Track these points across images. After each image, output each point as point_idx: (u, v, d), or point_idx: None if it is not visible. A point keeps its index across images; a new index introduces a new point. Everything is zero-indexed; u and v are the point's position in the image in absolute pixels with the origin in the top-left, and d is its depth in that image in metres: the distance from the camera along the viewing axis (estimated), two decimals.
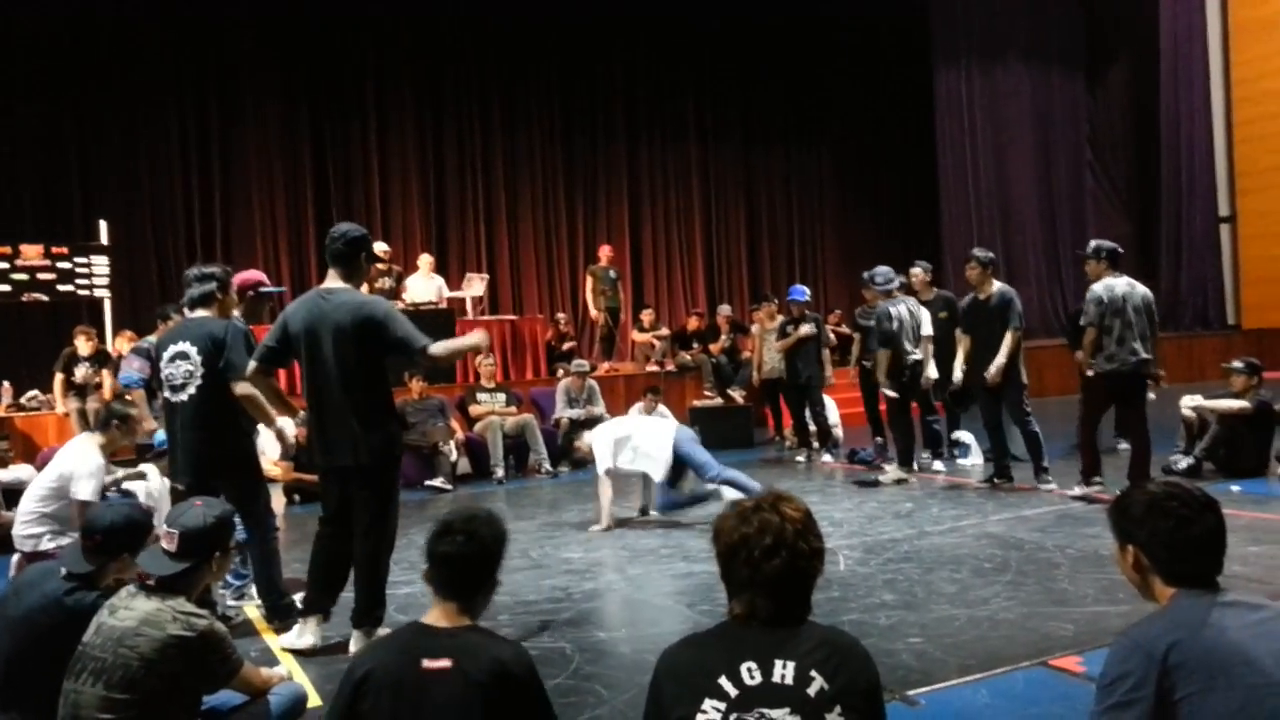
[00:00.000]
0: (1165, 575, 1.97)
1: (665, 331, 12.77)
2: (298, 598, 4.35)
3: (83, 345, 9.02)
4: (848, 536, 5.86)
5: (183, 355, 4.38)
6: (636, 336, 12.68)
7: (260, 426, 4.57)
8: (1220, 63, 16.93)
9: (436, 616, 2.23)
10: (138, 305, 11.62)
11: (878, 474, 7.86)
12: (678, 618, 4.46)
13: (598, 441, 6.56)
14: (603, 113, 15.39)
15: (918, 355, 7.69)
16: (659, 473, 6.30)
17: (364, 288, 4.42)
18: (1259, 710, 1.75)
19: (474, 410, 9.35)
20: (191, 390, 4.36)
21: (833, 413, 9.42)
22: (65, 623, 2.76)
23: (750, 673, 1.78)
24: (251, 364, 4.19)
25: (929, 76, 16.46)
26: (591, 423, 8.44)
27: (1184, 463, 7.12)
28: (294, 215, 13.29)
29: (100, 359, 9.12)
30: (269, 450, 6.26)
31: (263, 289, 5.21)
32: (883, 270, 7.92)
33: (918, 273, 8.37)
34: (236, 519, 3.54)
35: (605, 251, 12.83)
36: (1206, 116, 16.95)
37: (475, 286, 11.77)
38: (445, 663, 2.10)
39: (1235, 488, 6.52)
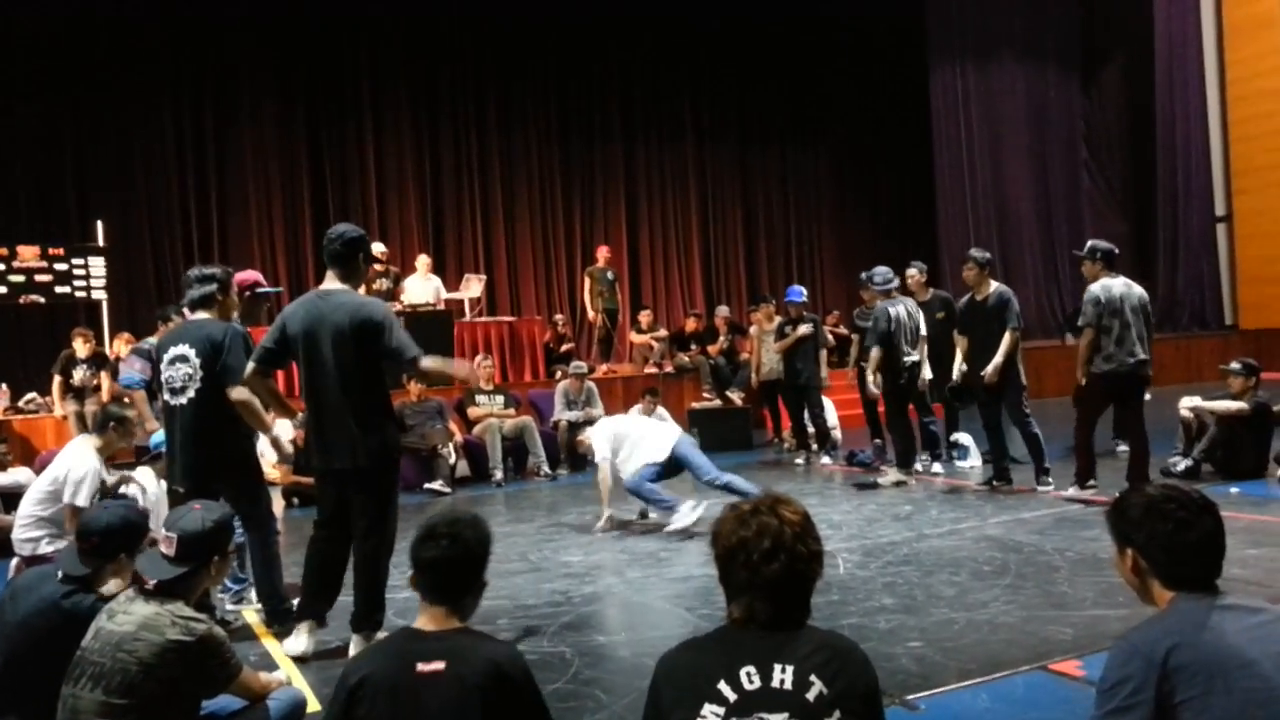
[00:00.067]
0: (1164, 578, 1.97)
1: (663, 333, 12.78)
2: (298, 602, 4.35)
3: (80, 347, 9.01)
4: (847, 539, 5.86)
5: (182, 358, 4.37)
6: (634, 338, 12.68)
7: (268, 421, 4.56)
8: (1215, 62, 16.96)
9: (426, 621, 2.23)
10: (135, 307, 11.62)
11: (876, 476, 7.86)
12: (677, 621, 4.46)
13: (598, 434, 6.65)
14: (600, 113, 15.40)
15: (915, 357, 7.70)
16: (651, 461, 6.31)
17: (361, 289, 4.41)
18: (1259, 714, 1.75)
19: (472, 413, 9.35)
20: (191, 393, 4.35)
21: (831, 414, 9.42)
22: (63, 626, 2.76)
23: (749, 677, 1.78)
24: (249, 365, 4.18)
25: (925, 76, 16.48)
26: (590, 425, 8.43)
27: (1182, 464, 7.12)
28: (291, 216, 13.29)
29: (98, 361, 9.10)
30: (268, 453, 6.26)
31: (260, 289, 5.20)
32: (881, 270, 7.93)
33: (913, 273, 8.37)
34: (235, 523, 3.54)
35: (603, 253, 12.84)
36: (1202, 116, 16.98)
37: (473, 288, 11.77)
38: (439, 665, 2.10)
39: (1234, 490, 6.51)
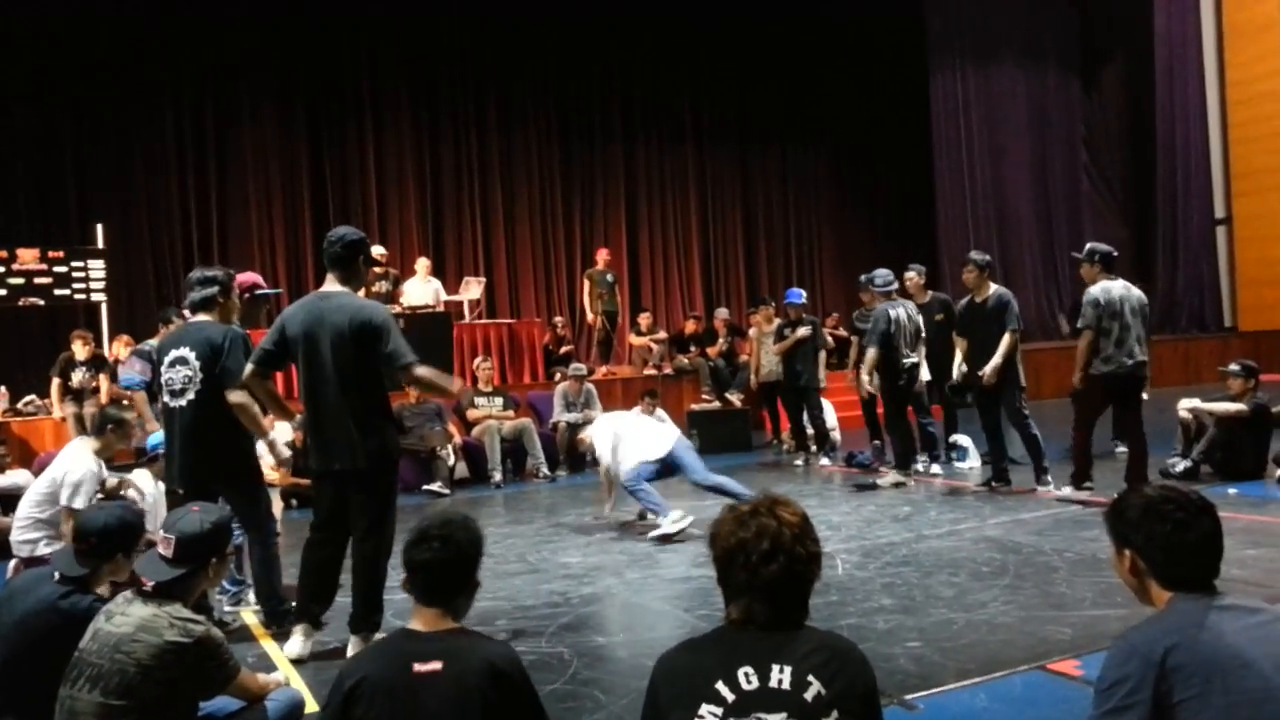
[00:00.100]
0: (1162, 579, 1.97)
1: (663, 335, 12.79)
2: (295, 605, 4.34)
3: (79, 350, 9.01)
4: (845, 540, 5.86)
5: (182, 360, 4.37)
6: (634, 340, 12.68)
7: (265, 425, 4.56)
8: (1215, 65, 16.97)
9: (421, 622, 2.24)
10: (134, 309, 11.63)
11: (875, 477, 7.86)
12: (675, 622, 4.46)
13: (598, 431, 6.72)
14: (600, 113, 15.41)
15: (914, 358, 7.71)
16: (647, 458, 6.33)
17: (361, 292, 4.41)
18: (1257, 713, 1.75)
19: (471, 414, 9.34)
20: (191, 396, 4.35)
21: (830, 416, 9.42)
22: (61, 627, 2.76)
23: (747, 678, 1.78)
24: (248, 366, 4.17)
25: (925, 77, 16.49)
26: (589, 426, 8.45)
27: (1181, 465, 7.13)
28: (291, 217, 13.29)
29: (97, 363, 9.10)
30: (266, 455, 6.25)
31: (259, 291, 5.20)
32: (882, 272, 7.94)
33: (912, 276, 8.38)
34: (234, 524, 3.54)
35: (602, 255, 12.84)
36: (1202, 118, 16.99)
37: (472, 290, 11.77)
38: (436, 665, 2.11)
39: (1233, 490, 6.51)
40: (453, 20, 14.13)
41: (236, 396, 4.26)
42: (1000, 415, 7.14)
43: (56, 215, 11.70)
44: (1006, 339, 6.94)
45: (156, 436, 5.25)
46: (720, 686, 1.77)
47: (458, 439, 9.05)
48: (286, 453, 4.68)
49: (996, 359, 6.91)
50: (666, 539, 6.02)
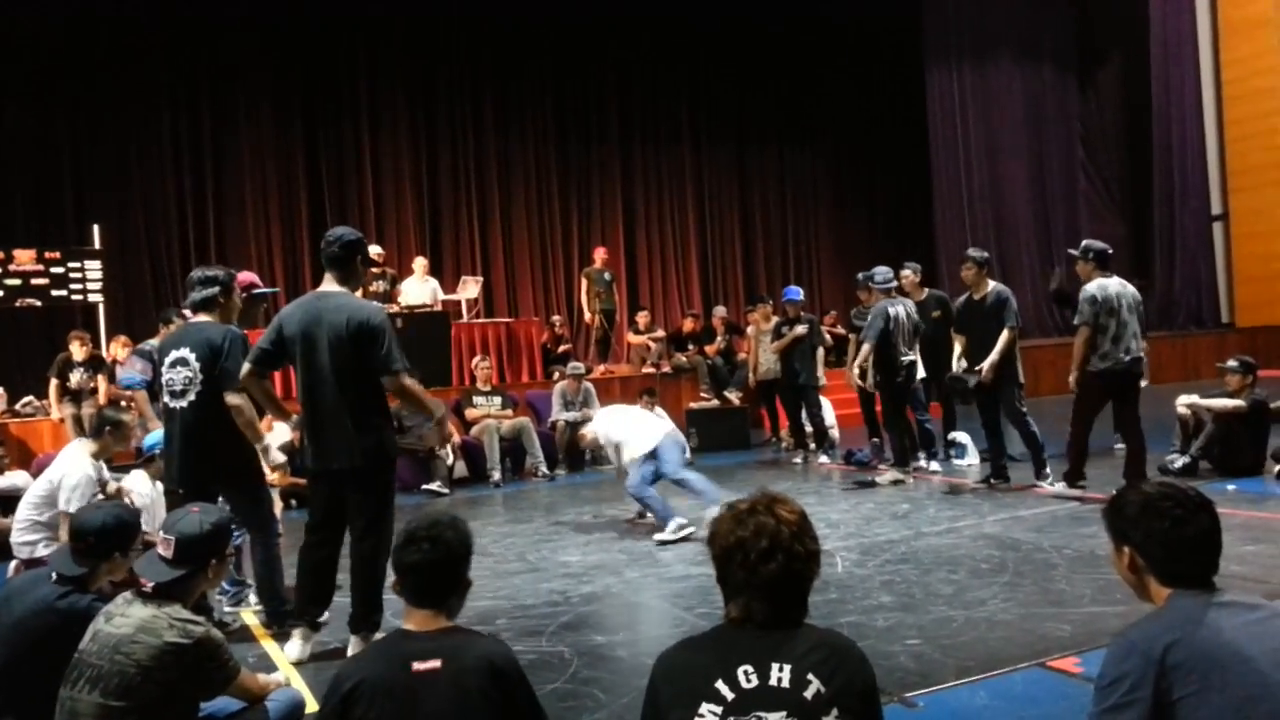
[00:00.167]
0: (1161, 575, 1.97)
1: (661, 333, 12.78)
2: (293, 608, 4.34)
3: (77, 350, 8.99)
4: (845, 538, 5.86)
5: (182, 361, 4.36)
6: (632, 339, 12.68)
7: (262, 429, 4.55)
8: (1211, 62, 16.99)
9: (415, 624, 2.24)
10: (131, 309, 11.61)
11: (874, 475, 7.87)
12: (675, 621, 4.46)
13: (599, 428, 6.76)
14: (597, 113, 15.40)
15: (912, 356, 7.72)
16: (639, 454, 6.37)
17: (359, 292, 4.41)
18: (1255, 710, 1.75)
19: (470, 414, 9.34)
20: (191, 396, 4.35)
21: (829, 414, 9.43)
22: (60, 627, 2.76)
23: (747, 676, 1.78)
24: (245, 366, 4.17)
25: (922, 77, 16.49)
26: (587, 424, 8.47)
27: (1180, 462, 7.13)
28: (288, 217, 13.28)
29: (95, 364, 9.09)
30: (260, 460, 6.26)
31: (256, 290, 5.20)
32: (882, 270, 7.95)
33: (907, 274, 8.40)
34: (233, 525, 3.53)
35: (600, 253, 12.82)
36: (1198, 115, 17.00)
37: (470, 289, 11.77)
38: (435, 663, 2.11)
39: (1231, 486, 6.52)
40: (450, 20, 14.12)
41: (234, 399, 4.26)
42: (999, 412, 7.15)
43: (54, 216, 11.68)
44: (1005, 335, 6.95)
45: (153, 437, 5.24)
46: (720, 685, 1.77)
47: (456, 438, 9.05)
48: (280, 458, 4.67)
49: (994, 355, 6.91)
50: (667, 544, 6.02)
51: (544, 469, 9.06)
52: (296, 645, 4.10)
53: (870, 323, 7.65)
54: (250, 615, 4.74)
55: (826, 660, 1.79)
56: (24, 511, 5.11)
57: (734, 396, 11.29)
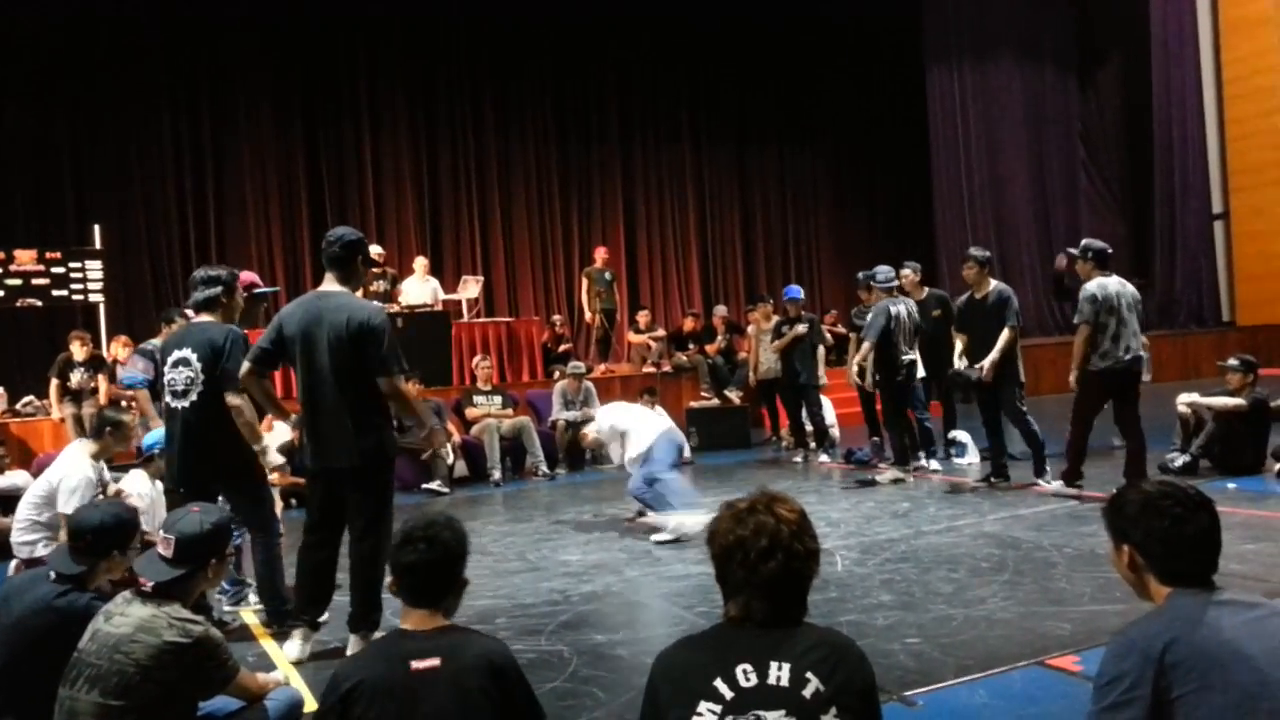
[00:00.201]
0: (1160, 574, 1.97)
1: (661, 333, 12.78)
2: (293, 608, 4.34)
3: (78, 350, 8.99)
4: (845, 537, 5.86)
5: (184, 361, 4.36)
6: (632, 338, 12.68)
7: (261, 429, 4.55)
8: (1212, 60, 16.98)
9: (412, 623, 2.25)
10: (132, 309, 11.62)
11: (874, 474, 7.87)
12: (675, 620, 4.46)
13: (600, 426, 6.77)
14: (598, 113, 15.41)
15: (913, 355, 7.72)
16: (637, 453, 6.38)
17: (359, 292, 4.41)
18: (1255, 708, 1.75)
19: (470, 413, 9.34)
20: (193, 397, 4.35)
21: (829, 413, 9.43)
22: (59, 625, 2.76)
23: (746, 674, 1.78)
24: (245, 365, 4.17)
25: (923, 76, 16.48)
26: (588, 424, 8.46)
27: (1180, 460, 7.13)
28: (288, 217, 13.29)
29: (95, 364, 9.09)
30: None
31: (256, 289, 5.19)
32: (883, 269, 7.96)
33: (907, 273, 8.40)
34: (234, 525, 3.53)
35: (600, 253, 12.83)
36: (1199, 114, 16.99)
37: (470, 289, 11.77)
38: (434, 662, 2.12)
39: (1231, 485, 6.52)
40: (450, 20, 14.12)
41: (235, 400, 4.26)
42: (1000, 411, 7.15)
43: (54, 216, 11.69)
44: (1006, 334, 6.95)
45: (152, 436, 5.24)
46: (719, 684, 1.77)
47: (457, 437, 9.04)
48: (278, 460, 4.68)
49: (995, 354, 6.91)
50: (668, 544, 6.02)
51: (544, 468, 9.06)
52: (296, 645, 4.10)
53: (871, 321, 7.65)
54: (250, 614, 4.74)
55: (826, 659, 1.79)
56: (24, 511, 5.11)
57: (734, 396, 11.29)
